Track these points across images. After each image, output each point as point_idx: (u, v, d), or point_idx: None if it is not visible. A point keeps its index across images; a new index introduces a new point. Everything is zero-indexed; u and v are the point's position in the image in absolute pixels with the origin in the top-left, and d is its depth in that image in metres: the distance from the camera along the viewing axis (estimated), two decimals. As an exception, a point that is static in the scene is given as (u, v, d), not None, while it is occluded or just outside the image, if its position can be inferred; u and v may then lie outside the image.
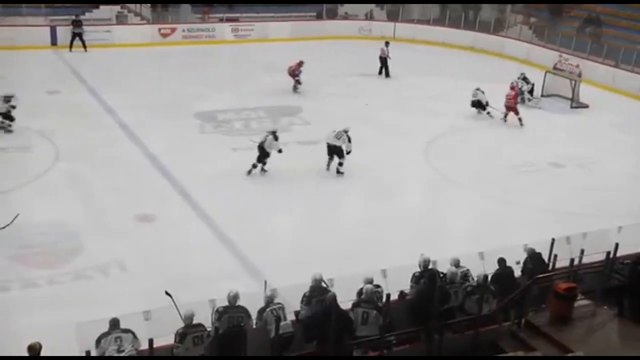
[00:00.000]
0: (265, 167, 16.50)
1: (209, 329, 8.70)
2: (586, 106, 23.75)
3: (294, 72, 23.53)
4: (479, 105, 21.84)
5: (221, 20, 31.55)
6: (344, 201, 15.76)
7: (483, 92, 21.70)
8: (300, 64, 23.40)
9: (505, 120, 21.46)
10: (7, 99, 18.20)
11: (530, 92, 23.70)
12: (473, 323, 10.01)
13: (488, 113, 21.79)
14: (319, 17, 33.71)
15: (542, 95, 24.56)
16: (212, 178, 16.07)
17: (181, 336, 8.40)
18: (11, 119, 18.19)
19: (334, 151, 16.83)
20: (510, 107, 21.31)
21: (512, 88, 21.62)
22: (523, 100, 22.91)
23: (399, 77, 26.03)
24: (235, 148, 18.23)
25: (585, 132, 21.43)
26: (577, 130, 21.63)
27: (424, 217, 15.11)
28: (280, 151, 16.34)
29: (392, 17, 34.04)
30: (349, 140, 16.76)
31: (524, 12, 33.34)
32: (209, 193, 15.30)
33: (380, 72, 26.51)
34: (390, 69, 26.32)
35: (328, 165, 16.96)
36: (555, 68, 27.72)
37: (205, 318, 8.74)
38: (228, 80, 24.35)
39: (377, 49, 26.87)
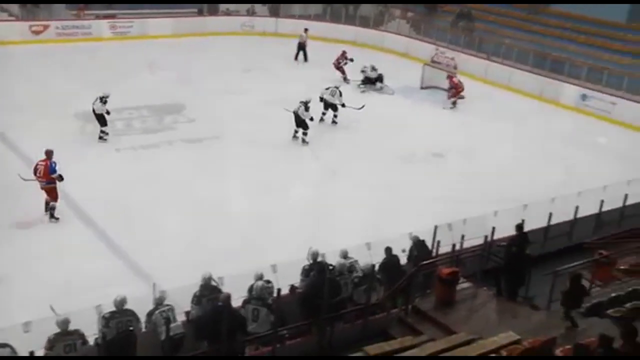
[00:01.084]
0: (307, 139, 19.08)
1: (94, 335, 8.49)
2: (462, 97, 24.69)
3: (338, 63, 25.56)
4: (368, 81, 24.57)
5: (98, 17, 30.50)
6: (231, 198, 15.65)
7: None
8: (344, 53, 25.45)
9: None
10: (104, 99, 17.95)
11: (379, 79, 25.02)
12: (362, 312, 10.26)
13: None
14: (200, 13, 33.26)
15: (421, 88, 25.39)
16: (95, 180, 15.58)
17: (51, 343, 8.17)
18: (105, 123, 18.06)
19: (330, 106, 20.50)
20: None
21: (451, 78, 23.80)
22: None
23: (280, 72, 26.12)
24: (118, 148, 17.79)
25: (463, 122, 22.31)
26: (455, 120, 22.49)
27: (313, 211, 15.26)
28: (311, 119, 19.24)
29: (274, 13, 34.07)
30: (340, 95, 20.48)
31: (402, 7, 34.21)
32: (91, 195, 14.81)
33: (296, 58, 28.30)
34: (308, 54, 28.40)
35: (322, 117, 20.64)
36: (432, 61, 28.67)
37: (92, 326, 8.51)
38: (108, 78, 23.51)
39: (260, 45, 26.95)
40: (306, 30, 28.81)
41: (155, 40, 29.64)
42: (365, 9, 34.13)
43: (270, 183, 16.47)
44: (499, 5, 31.14)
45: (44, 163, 13.79)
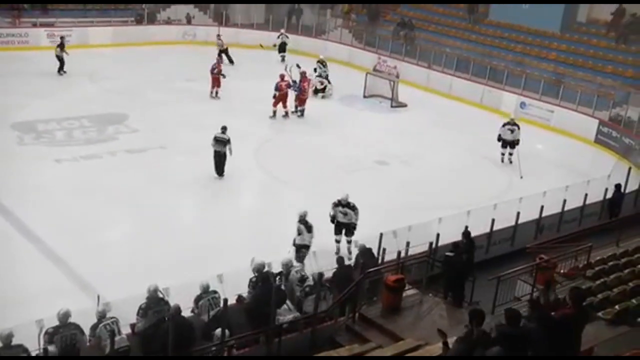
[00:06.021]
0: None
1: (36, 351, 8.28)
2: (405, 105, 25.05)
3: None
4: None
5: (34, 25, 29.77)
6: (176, 208, 15.50)
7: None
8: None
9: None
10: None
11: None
12: (310, 321, 10.27)
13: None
14: (139, 22, 32.64)
15: (364, 96, 25.64)
16: (34, 192, 15.21)
17: None
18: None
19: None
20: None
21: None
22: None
23: (222, 81, 25.91)
24: (59, 159, 17.40)
25: (405, 130, 22.57)
26: (398, 128, 22.74)
27: (258, 220, 15.25)
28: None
29: (217, 22, 33.78)
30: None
31: (344, 16, 34.47)
32: (31, 207, 14.46)
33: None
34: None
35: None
36: (374, 70, 28.97)
37: (33, 339, 8.31)
38: (48, 88, 23.07)
39: (203, 54, 26.83)
40: (219, 36, 29.84)
41: (95, 49, 29.11)
42: (307, 18, 34.26)
43: (215, 193, 16.38)
44: (440, 15, 31.79)
45: (284, 82, 21.53)
